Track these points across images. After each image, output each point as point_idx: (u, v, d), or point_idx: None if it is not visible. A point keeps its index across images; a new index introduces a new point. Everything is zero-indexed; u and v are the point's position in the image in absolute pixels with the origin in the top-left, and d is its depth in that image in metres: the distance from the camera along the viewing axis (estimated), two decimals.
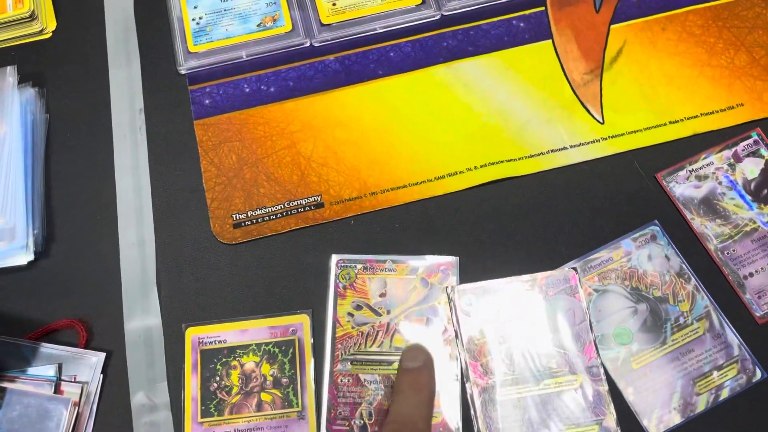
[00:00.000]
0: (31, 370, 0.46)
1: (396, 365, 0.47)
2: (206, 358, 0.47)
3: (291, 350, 0.48)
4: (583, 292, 0.49)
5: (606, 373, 0.46)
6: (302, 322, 0.49)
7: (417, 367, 0.39)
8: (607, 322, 0.48)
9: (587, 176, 0.53)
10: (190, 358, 0.47)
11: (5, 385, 0.45)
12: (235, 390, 0.47)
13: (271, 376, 0.47)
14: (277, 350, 0.48)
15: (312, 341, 0.48)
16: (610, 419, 0.45)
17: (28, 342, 0.47)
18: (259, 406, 0.46)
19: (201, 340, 0.48)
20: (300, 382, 0.47)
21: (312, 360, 0.47)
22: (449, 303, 0.49)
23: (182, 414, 0.46)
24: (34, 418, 0.45)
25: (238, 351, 0.48)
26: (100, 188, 0.53)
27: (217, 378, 0.47)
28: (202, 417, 0.46)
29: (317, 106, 0.56)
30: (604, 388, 0.46)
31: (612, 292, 0.49)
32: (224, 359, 0.47)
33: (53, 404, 0.45)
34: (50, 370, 0.46)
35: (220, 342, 0.48)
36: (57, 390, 0.46)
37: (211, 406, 0.46)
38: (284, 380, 0.47)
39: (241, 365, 0.47)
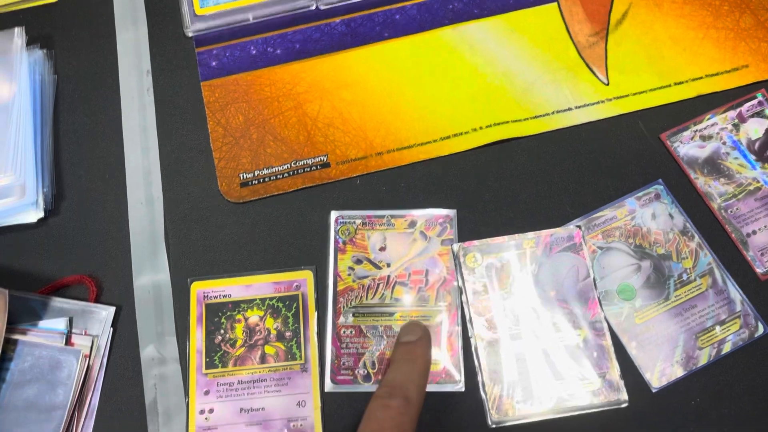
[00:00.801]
0: (42, 323, 0.47)
1: (397, 315, 0.48)
2: (211, 312, 0.48)
3: (295, 305, 0.48)
4: (587, 249, 0.49)
5: (609, 328, 0.47)
6: (306, 278, 0.49)
7: (413, 341, 0.40)
8: (610, 278, 0.48)
9: (592, 137, 0.53)
10: (195, 311, 0.48)
11: (17, 337, 0.46)
12: (239, 343, 0.47)
13: (275, 329, 0.48)
14: (281, 305, 0.48)
15: (315, 297, 0.49)
16: (614, 372, 0.46)
17: (39, 296, 0.48)
18: (263, 359, 0.47)
19: (206, 294, 0.49)
20: (303, 336, 0.47)
21: (315, 315, 0.48)
22: (454, 259, 0.49)
23: (187, 366, 0.47)
24: (45, 368, 0.46)
25: (243, 305, 0.48)
26: (109, 148, 0.54)
27: (222, 331, 0.48)
28: (206, 368, 0.47)
29: (323, 68, 0.56)
30: (608, 342, 0.47)
31: (616, 249, 0.49)
32: (229, 313, 0.48)
33: (64, 355, 0.46)
34: (61, 324, 0.47)
35: (224, 296, 0.49)
36: (68, 342, 0.47)
37: (216, 358, 0.47)
38: (288, 334, 0.48)
39: (246, 319, 0.48)
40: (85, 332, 0.47)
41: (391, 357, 0.40)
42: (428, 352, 0.40)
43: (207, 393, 0.46)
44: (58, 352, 0.46)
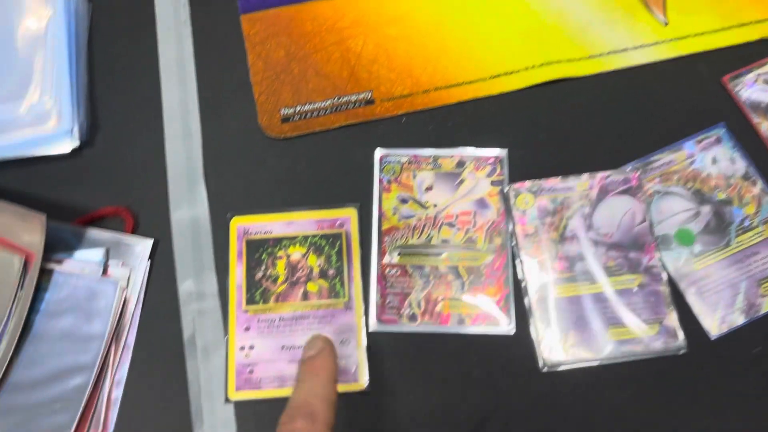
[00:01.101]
0: (78, 254, 0.46)
1: (444, 256, 0.46)
2: (252, 248, 0.47)
3: (338, 243, 0.47)
4: (643, 193, 0.47)
5: (667, 273, 0.45)
6: (350, 216, 0.47)
7: (314, 355, 0.38)
8: (668, 223, 0.46)
9: (649, 79, 0.51)
10: (234, 247, 0.47)
11: (52, 266, 0.45)
12: (281, 279, 0.46)
13: (318, 267, 0.46)
14: (324, 242, 0.47)
15: (360, 235, 0.47)
16: (671, 318, 0.44)
17: (74, 226, 0.47)
18: (305, 296, 0.45)
19: (246, 230, 0.47)
20: (347, 274, 0.46)
21: (359, 253, 0.46)
22: (504, 201, 0.47)
23: (227, 301, 0.45)
24: (81, 299, 0.44)
25: (285, 242, 0.47)
26: (145, 81, 0.52)
27: (263, 267, 0.46)
28: (247, 304, 0.45)
29: (368, 3, 0.53)
30: (665, 288, 0.45)
31: (674, 193, 0.47)
32: (270, 249, 0.46)
33: (102, 286, 0.44)
34: (98, 254, 0.46)
35: (266, 233, 0.47)
36: (104, 273, 0.45)
37: (257, 294, 0.45)
38: (331, 272, 0.46)
39: (288, 256, 0.46)
40: (122, 264, 0.46)
41: (296, 376, 0.38)
42: (331, 363, 0.38)
43: (247, 329, 0.45)
44: (95, 282, 0.44)
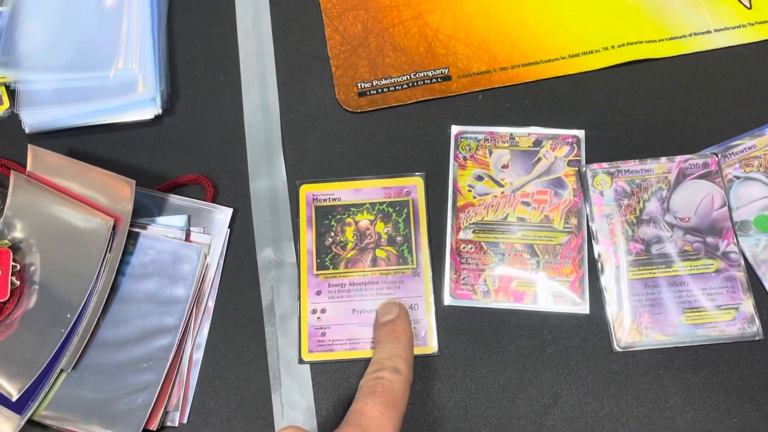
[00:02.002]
0: (161, 219, 0.47)
1: (519, 234, 0.46)
2: (321, 214, 0.48)
3: (405, 210, 0.47)
4: (723, 178, 0.47)
5: (745, 259, 0.45)
6: (416, 184, 0.48)
7: (392, 319, 0.42)
8: (747, 209, 0.46)
9: (731, 62, 0.50)
10: (305, 213, 0.48)
11: (137, 230, 0.46)
12: (350, 245, 0.47)
13: (386, 234, 0.47)
14: (391, 210, 0.47)
15: (426, 203, 0.47)
16: (748, 305, 0.44)
17: (157, 193, 0.48)
18: (374, 262, 0.46)
19: (315, 197, 0.48)
20: (414, 242, 0.47)
21: (426, 221, 0.47)
22: (581, 181, 0.47)
23: (298, 266, 0.47)
24: (167, 262, 0.45)
25: (352, 209, 0.48)
26: (223, 51, 0.53)
27: (332, 234, 0.47)
28: (317, 269, 0.46)
29: None
30: (742, 274, 0.45)
31: (754, 179, 0.47)
32: (339, 216, 0.48)
33: (186, 250, 0.46)
34: (181, 221, 0.47)
35: (334, 200, 0.48)
36: (187, 239, 0.46)
37: (327, 259, 0.46)
38: (399, 238, 0.47)
39: (356, 222, 0.47)
40: (203, 231, 0.47)
41: (375, 338, 0.42)
42: (409, 328, 0.41)
43: (319, 293, 0.46)
44: (179, 246, 0.46)
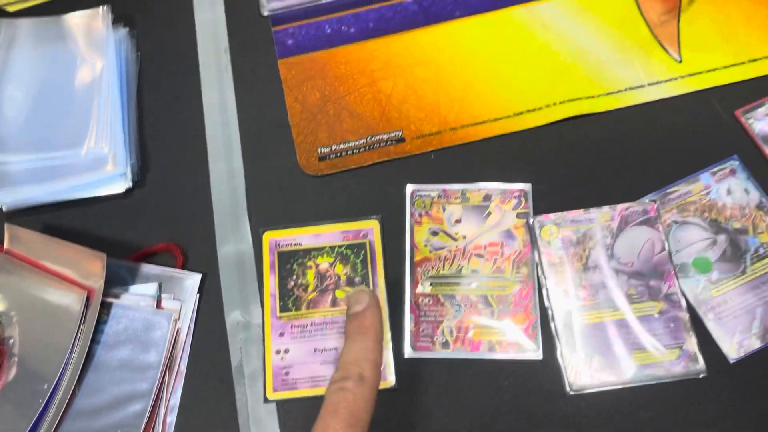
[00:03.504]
0: (133, 288, 0.49)
1: (474, 285, 0.49)
2: (283, 259, 0.50)
3: (363, 252, 0.50)
4: (662, 223, 0.50)
5: (686, 300, 0.48)
6: (372, 227, 0.51)
7: (361, 311, 0.40)
8: (686, 252, 0.49)
9: (665, 113, 0.53)
10: (267, 259, 0.50)
11: (111, 300, 0.48)
12: (311, 287, 0.50)
13: (345, 275, 0.50)
14: (349, 252, 0.50)
15: (382, 244, 0.50)
16: (691, 343, 0.46)
17: (128, 263, 0.50)
18: (334, 302, 0.49)
19: (278, 243, 0.51)
20: (372, 281, 0.49)
21: (383, 261, 0.50)
22: (530, 233, 0.50)
23: (262, 310, 0.49)
24: (139, 330, 0.48)
25: (313, 253, 0.51)
26: (190, 123, 0.56)
27: (294, 277, 0.50)
28: (280, 312, 0.49)
29: (397, 46, 0.57)
30: (684, 314, 0.47)
31: (691, 223, 0.50)
32: (300, 260, 0.50)
33: (157, 317, 0.48)
34: (152, 288, 0.49)
35: (295, 245, 0.51)
36: (158, 306, 0.49)
37: (289, 302, 0.49)
38: (357, 279, 0.50)
39: (316, 265, 0.50)
40: (174, 297, 0.49)
41: (345, 330, 0.40)
42: (379, 321, 0.40)
43: (282, 335, 0.48)
44: (150, 314, 0.48)
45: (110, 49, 0.55)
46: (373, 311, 0.40)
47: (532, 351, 0.47)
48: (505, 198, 0.51)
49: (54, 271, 0.47)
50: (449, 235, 0.51)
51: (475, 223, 0.51)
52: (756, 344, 0.46)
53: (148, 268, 0.50)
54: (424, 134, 0.54)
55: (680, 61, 0.55)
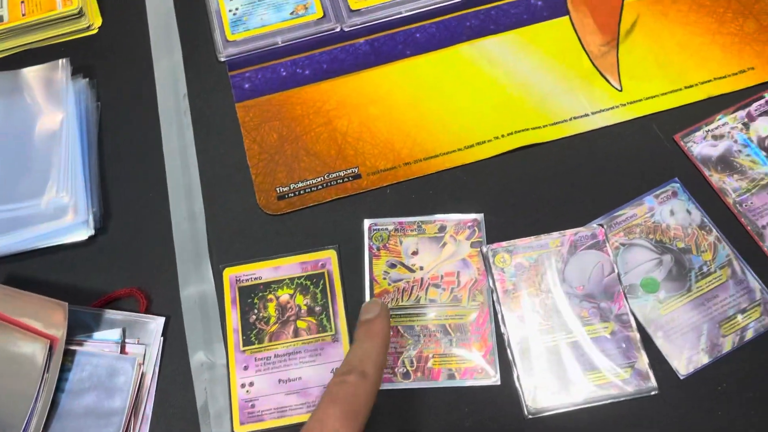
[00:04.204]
0: (98, 335, 0.50)
1: (432, 315, 0.50)
2: (244, 294, 0.52)
3: (321, 282, 0.52)
4: (610, 246, 0.51)
5: (636, 320, 0.49)
6: (330, 256, 0.53)
7: (371, 318, 0.42)
8: (634, 273, 0.51)
9: (609, 140, 0.56)
10: (229, 294, 0.52)
11: (74, 347, 0.49)
12: (272, 320, 0.51)
13: (305, 305, 0.51)
14: (308, 282, 0.52)
15: (340, 272, 0.52)
16: (642, 362, 0.48)
17: (92, 309, 0.51)
18: (296, 333, 0.50)
19: (238, 278, 0.52)
20: (332, 310, 0.51)
21: (342, 289, 0.51)
22: (484, 261, 0.52)
23: (225, 345, 0.50)
24: (103, 376, 0.48)
25: (273, 286, 0.52)
26: (151, 169, 0.57)
27: (255, 311, 0.51)
28: (244, 346, 0.50)
29: (350, 86, 0.59)
30: (635, 334, 0.49)
31: (638, 245, 0.52)
32: (261, 294, 0.52)
33: (120, 363, 0.48)
34: (115, 334, 0.50)
35: (255, 279, 0.52)
36: (122, 351, 0.49)
37: (252, 335, 0.50)
38: (317, 308, 0.51)
39: (277, 298, 0.51)
40: (138, 341, 0.50)
41: (354, 336, 0.41)
42: (386, 328, 0.41)
43: (246, 368, 0.49)
44: (114, 360, 0.49)
45: (70, 101, 0.57)
46: (383, 319, 0.42)
47: (491, 377, 0.48)
48: (459, 228, 0.53)
49: (16, 321, 0.48)
50: (407, 267, 0.52)
51: (431, 254, 0.53)
52: (704, 359, 0.48)
53: (112, 314, 0.51)
54: (379, 170, 0.56)
55: (621, 90, 0.57)
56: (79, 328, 0.50)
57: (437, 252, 0.53)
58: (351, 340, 0.50)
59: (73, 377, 0.48)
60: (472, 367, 0.49)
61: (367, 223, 0.54)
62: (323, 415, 0.35)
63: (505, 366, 0.49)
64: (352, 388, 0.37)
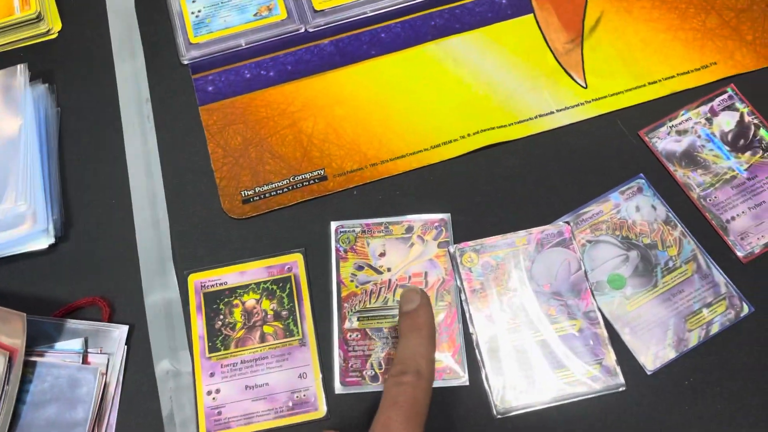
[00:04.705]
0: (59, 345, 0.49)
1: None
2: (209, 300, 0.51)
3: (288, 286, 0.51)
4: (576, 243, 0.51)
5: (603, 316, 0.49)
6: (296, 260, 0.52)
7: (414, 309, 0.42)
8: (601, 269, 0.51)
9: (574, 137, 0.56)
10: (194, 301, 0.51)
11: (35, 359, 0.48)
12: (238, 326, 0.50)
13: (272, 310, 0.50)
14: (275, 287, 0.51)
15: (307, 276, 0.51)
16: (609, 358, 0.48)
17: (54, 319, 0.50)
18: (263, 338, 0.50)
19: (203, 284, 0.51)
20: (299, 314, 0.50)
21: (309, 293, 0.51)
22: (451, 261, 0.51)
23: (191, 352, 0.49)
24: (65, 387, 0.47)
25: (239, 291, 0.51)
26: (113, 174, 0.56)
27: (221, 316, 0.50)
28: (209, 352, 0.49)
29: (315, 87, 0.59)
30: (602, 330, 0.49)
31: (604, 242, 0.52)
32: (226, 299, 0.51)
33: (83, 373, 0.47)
34: (77, 344, 0.49)
35: (221, 284, 0.51)
36: (84, 361, 0.48)
37: (218, 342, 0.50)
38: (284, 313, 0.50)
39: (243, 303, 0.51)
40: (101, 351, 0.49)
41: (399, 329, 0.41)
42: (431, 317, 0.41)
43: (212, 375, 0.49)
44: (76, 370, 0.48)
45: (28, 107, 0.55)
46: (426, 309, 0.41)
47: (460, 377, 0.48)
48: (426, 229, 0.53)
49: None
50: (374, 269, 0.52)
51: (399, 255, 0.52)
52: (671, 354, 0.48)
53: (74, 324, 0.50)
54: (345, 171, 0.55)
55: (586, 87, 0.57)
56: (40, 338, 0.49)
57: (405, 253, 0.52)
58: (318, 346, 0.49)
59: (34, 389, 0.47)
60: (441, 368, 0.48)
61: (333, 225, 0.53)
62: (387, 420, 0.36)
63: (474, 366, 0.48)
64: (410, 389, 0.37)
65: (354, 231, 0.53)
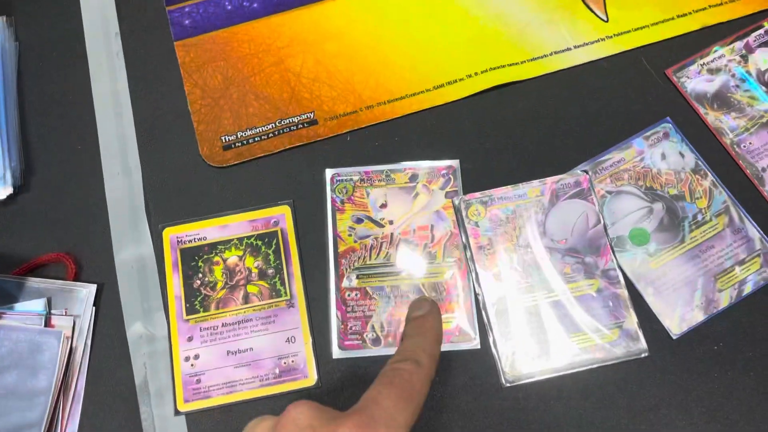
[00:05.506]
0: (19, 306, 0.44)
1: (404, 274, 0.45)
2: (187, 257, 0.46)
3: (274, 241, 0.46)
4: (595, 194, 0.46)
5: (624, 275, 0.44)
6: (284, 213, 0.47)
7: (422, 315, 0.39)
8: (622, 223, 0.46)
9: (593, 77, 0.50)
10: (170, 257, 0.46)
11: None
12: (219, 285, 0.45)
13: (256, 268, 0.46)
14: (260, 242, 0.46)
15: (296, 231, 0.46)
16: (631, 322, 0.43)
17: (13, 277, 0.45)
18: (246, 299, 0.45)
19: (180, 239, 0.46)
20: (287, 272, 0.45)
21: (297, 250, 0.46)
22: (456, 214, 0.46)
23: (167, 314, 0.45)
24: (25, 353, 0.42)
25: (220, 247, 0.46)
26: (79, 117, 0.50)
27: (200, 275, 0.45)
28: (187, 314, 0.44)
29: (304, 20, 0.52)
30: (623, 291, 0.44)
31: (626, 192, 0.47)
32: (206, 256, 0.46)
33: (44, 337, 0.43)
34: (39, 305, 0.44)
35: (199, 239, 0.46)
36: (47, 324, 0.44)
37: (196, 302, 0.45)
38: (270, 271, 0.45)
39: (224, 260, 0.46)
40: (66, 312, 0.44)
41: (403, 333, 0.39)
42: (438, 325, 0.39)
43: (190, 339, 0.44)
44: (37, 334, 0.43)
45: None
46: (435, 316, 0.39)
47: (469, 341, 0.43)
48: (432, 177, 0.47)
49: None
50: (375, 222, 0.47)
51: (402, 206, 0.47)
52: (699, 317, 0.43)
53: (35, 282, 0.45)
54: (338, 115, 0.49)
55: (607, 21, 0.51)
56: (0, 299, 0.44)
57: (408, 204, 0.47)
58: (308, 307, 0.44)
59: None
60: (450, 329, 0.44)
61: (329, 173, 0.48)
62: (377, 394, 0.33)
63: (483, 329, 0.44)
64: (407, 374, 0.34)
65: (351, 180, 0.48)
